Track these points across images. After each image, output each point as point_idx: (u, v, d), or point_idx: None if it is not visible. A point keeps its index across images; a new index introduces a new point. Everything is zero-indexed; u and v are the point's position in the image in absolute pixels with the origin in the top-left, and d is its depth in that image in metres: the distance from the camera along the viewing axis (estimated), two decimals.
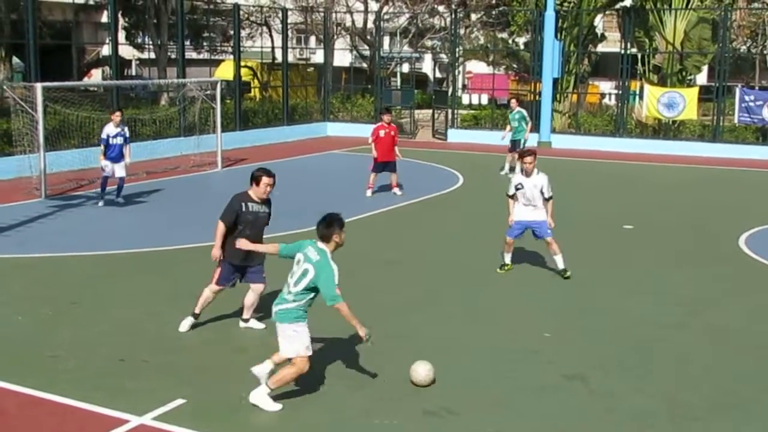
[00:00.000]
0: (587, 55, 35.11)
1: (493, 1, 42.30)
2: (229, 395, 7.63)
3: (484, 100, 39.77)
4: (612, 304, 10.96)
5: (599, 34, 36.32)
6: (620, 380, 8.28)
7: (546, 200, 11.92)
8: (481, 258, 13.22)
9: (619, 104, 31.41)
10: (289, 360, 7.42)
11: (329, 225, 7.39)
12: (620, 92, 31.40)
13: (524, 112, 23.50)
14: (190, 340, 9.14)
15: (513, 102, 23.90)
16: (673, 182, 22.78)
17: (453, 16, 34.79)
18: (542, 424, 7.28)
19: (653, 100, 29.32)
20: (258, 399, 7.36)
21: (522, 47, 38.06)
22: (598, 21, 38.74)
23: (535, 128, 29.98)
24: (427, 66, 59.34)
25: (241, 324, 9.56)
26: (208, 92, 23.78)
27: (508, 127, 23.22)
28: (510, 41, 39.86)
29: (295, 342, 7.34)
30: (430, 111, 36.28)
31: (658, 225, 16.35)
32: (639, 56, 31.86)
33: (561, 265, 12.01)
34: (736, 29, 41.85)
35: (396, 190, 18.94)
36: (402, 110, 34.63)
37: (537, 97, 30.82)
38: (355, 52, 44.33)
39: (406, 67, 51.60)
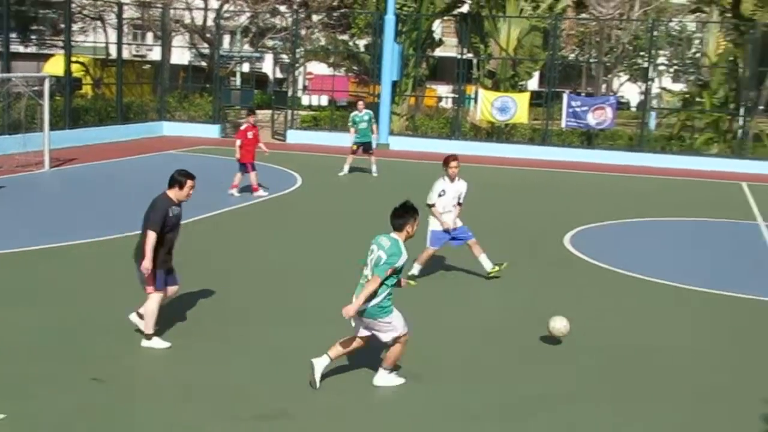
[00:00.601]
0: (425, 59, 35.82)
1: (335, 3, 42.52)
2: (55, 407, 7.28)
3: (324, 101, 39.90)
4: (441, 306, 11.18)
5: (437, 39, 37.17)
6: (449, 381, 8.46)
7: (458, 205, 12.01)
8: (316, 259, 13.22)
9: (455, 107, 32.21)
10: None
11: (402, 215, 7.73)
12: (456, 96, 32.20)
13: (371, 113, 23.68)
14: (14, 349, 8.65)
15: (360, 104, 23.87)
16: (504, 184, 23.57)
17: (294, 16, 34.72)
18: (376, 424, 7.36)
19: (487, 104, 30.27)
20: (382, 381, 7.97)
21: (362, 49, 38.46)
22: (437, 26, 39.60)
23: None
24: (267, 66, 59.00)
25: (133, 316, 9.08)
26: (36, 88, 22.70)
27: (353, 129, 23.19)
28: (350, 43, 40.23)
29: (391, 330, 7.78)
30: (270, 111, 36.08)
31: (489, 225, 16.82)
32: (475, 61, 32.82)
33: (488, 266, 12.16)
34: (565, 38, 43.82)
35: (234, 191, 18.74)
36: (241, 110, 34.24)
37: (376, 99, 31.17)
38: (193, 50, 43.47)
39: (246, 67, 51.09)
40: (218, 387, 7.84)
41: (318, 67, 51.90)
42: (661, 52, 50.67)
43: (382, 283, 7.60)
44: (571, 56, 52.62)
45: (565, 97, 31.06)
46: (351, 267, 12.83)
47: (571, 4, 35.16)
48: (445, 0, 32.28)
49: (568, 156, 29.39)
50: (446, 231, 11.93)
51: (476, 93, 31.86)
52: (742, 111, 29.82)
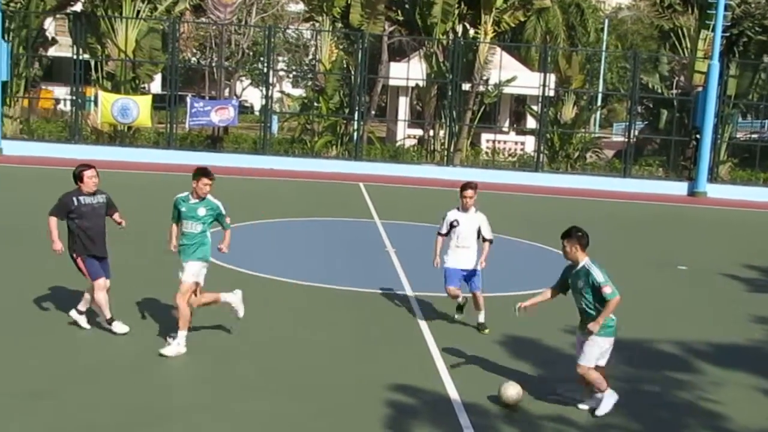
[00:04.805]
0: (38, 59, 33.83)
1: None
2: None
3: None
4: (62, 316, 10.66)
5: (50, 38, 35.23)
6: (75, 397, 8.10)
7: (485, 241, 10.67)
8: None
9: (74, 110, 30.79)
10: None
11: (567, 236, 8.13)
12: (74, 98, 30.79)
13: None
14: None
15: None
16: (131, 188, 22.90)
17: None
18: None
19: (107, 107, 29.26)
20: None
21: None
22: (49, 24, 37.52)
23: None
24: None
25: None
26: None
27: None
28: None
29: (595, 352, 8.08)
30: None
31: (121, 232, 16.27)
32: (92, 62, 31.52)
33: (482, 319, 10.90)
34: (185, 41, 43.74)
35: None
36: None
37: None
38: None
39: None
40: None
41: None
42: (280, 58, 52.54)
43: None
44: (193, 59, 52.64)
45: (188, 99, 30.98)
46: None
47: (189, 8, 35.03)
48: None
49: (194, 160, 29.04)
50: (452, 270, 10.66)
51: (96, 95, 30.63)
52: (356, 115, 31.75)
